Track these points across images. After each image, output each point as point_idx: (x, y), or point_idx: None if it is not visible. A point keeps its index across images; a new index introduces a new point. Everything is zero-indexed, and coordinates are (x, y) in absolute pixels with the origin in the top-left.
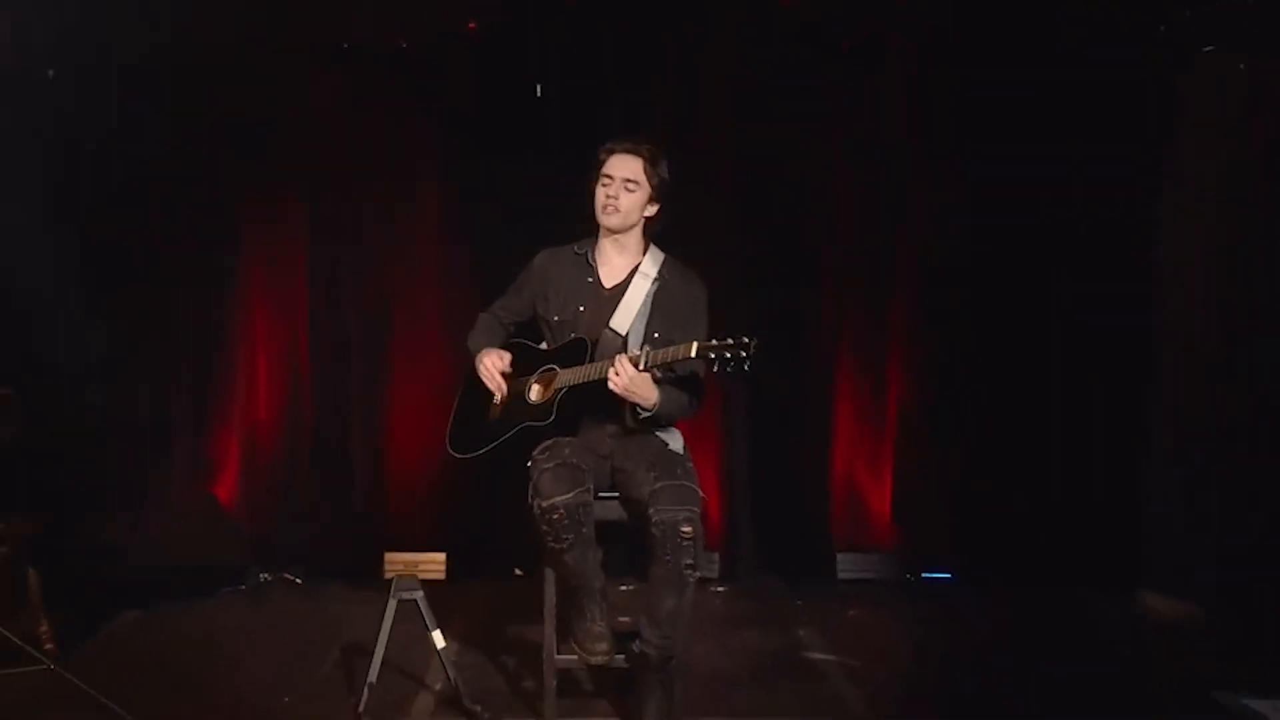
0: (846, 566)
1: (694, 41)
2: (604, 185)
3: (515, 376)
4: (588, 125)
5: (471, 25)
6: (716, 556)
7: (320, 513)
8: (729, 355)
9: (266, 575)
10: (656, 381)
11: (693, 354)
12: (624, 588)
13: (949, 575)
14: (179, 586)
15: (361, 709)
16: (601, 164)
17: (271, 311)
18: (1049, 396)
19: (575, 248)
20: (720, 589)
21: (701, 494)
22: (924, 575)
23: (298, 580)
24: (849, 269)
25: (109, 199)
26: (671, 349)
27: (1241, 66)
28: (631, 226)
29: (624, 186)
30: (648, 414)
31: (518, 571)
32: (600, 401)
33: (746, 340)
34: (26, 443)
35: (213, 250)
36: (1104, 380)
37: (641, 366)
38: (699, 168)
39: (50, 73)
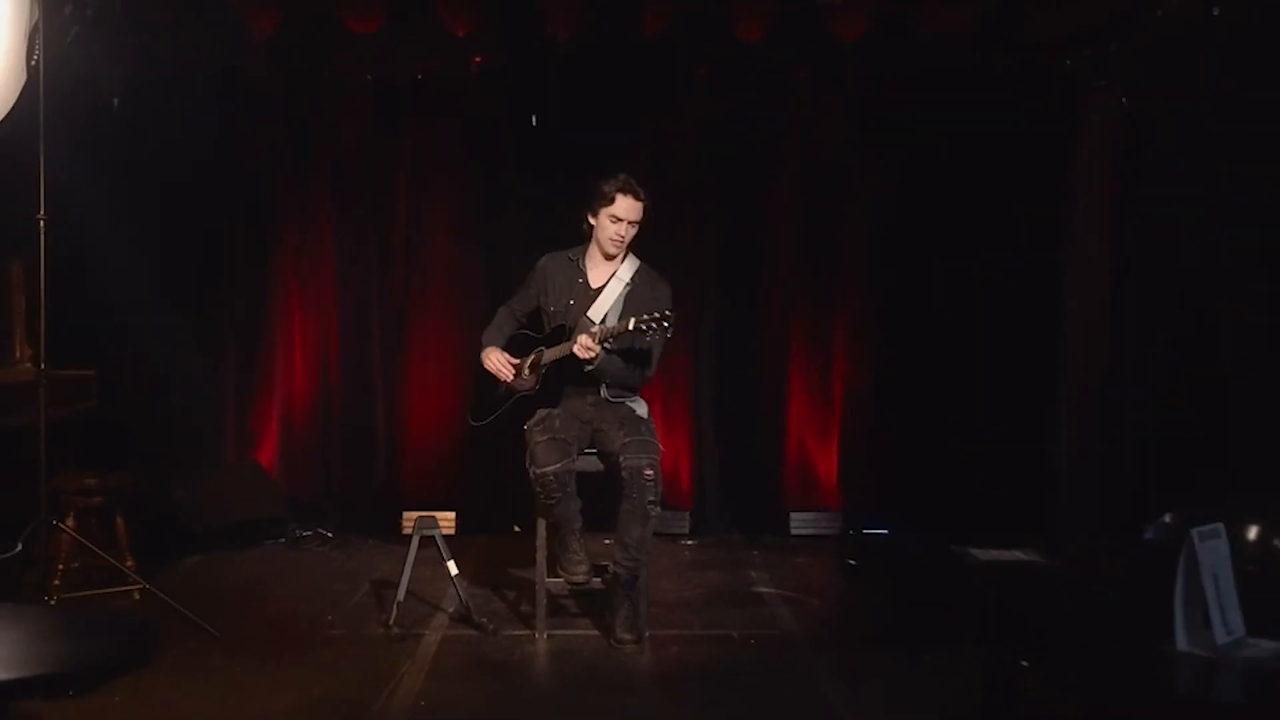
0: (798, 523)
1: (672, 76)
2: (614, 223)
3: (517, 359)
4: (578, 149)
5: (477, 60)
6: (687, 515)
7: (348, 477)
8: (654, 325)
9: (303, 530)
10: (608, 351)
11: (629, 327)
12: (606, 541)
13: (885, 531)
14: (229, 538)
15: (391, 622)
16: (611, 200)
17: (305, 306)
18: (974, 383)
19: (569, 254)
20: (689, 543)
21: (660, 447)
22: (864, 531)
23: (329, 534)
24: (803, 271)
25: (173, 213)
26: (617, 324)
27: (1123, 100)
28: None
29: (630, 226)
30: (591, 368)
31: (516, 528)
32: (577, 376)
33: (669, 313)
34: (108, 414)
35: (255, 254)
36: (1017, 370)
37: (597, 340)
38: (678, 186)
39: (115, 101)
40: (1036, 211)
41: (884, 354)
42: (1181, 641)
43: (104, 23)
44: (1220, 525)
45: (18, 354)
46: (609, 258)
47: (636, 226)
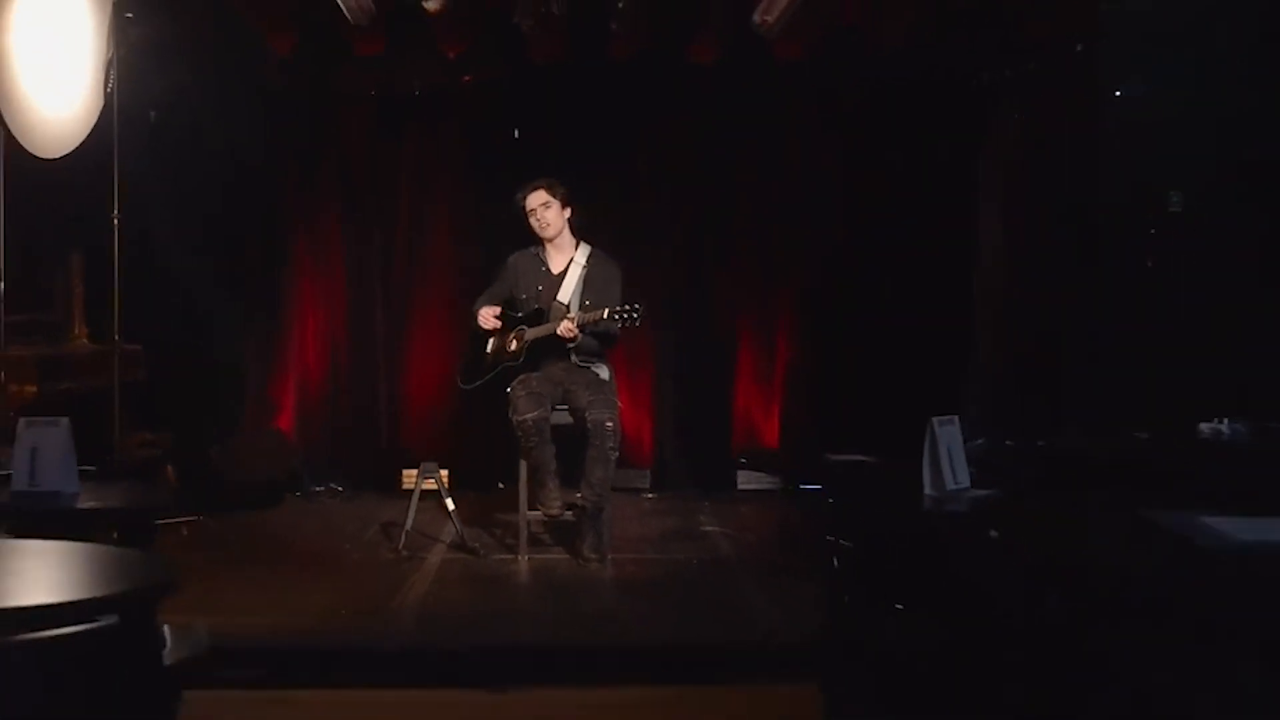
0: (744, 480)
1: (645, 93)
2: (531, 218)
3: (500, 334)
4: (556, 158)
5: (467, 78)
6: (648, 473)
7: (355, 439)
8: (626, 315)
9: (316, 486)
10: (585, 333)
11: (605, 315)
12: (578, 496)
13: (820, 486)
14: (253, 492)
15: (400, 547)
16: (523, 209)
17: (316, 296)
18: (897, 364)
19: (532, 249)
20: (650, 496)
21: (619, 404)
22: (801, 486)
23: (339, 489)
24: (750, 266)
25: (204, 216)
26: (595, 312)
27: (1017, 115)
28: (562, 231)
29: (543, 209)
30: (572, 346)
31: (500, 485)
32: (552, 348)
33: (637, 306)
34: (152, 385)
35: (274, 251)
36: (933, 352)
37: (576, 324)
38: (646, 197)
39: (152, 114)
40: (952, 210)
41: (820, 338)
42: (927, 488)
43: (142, 46)
44: (955, 416)
45: (76, 331)
46: (553, 243)
47: (550, 205)
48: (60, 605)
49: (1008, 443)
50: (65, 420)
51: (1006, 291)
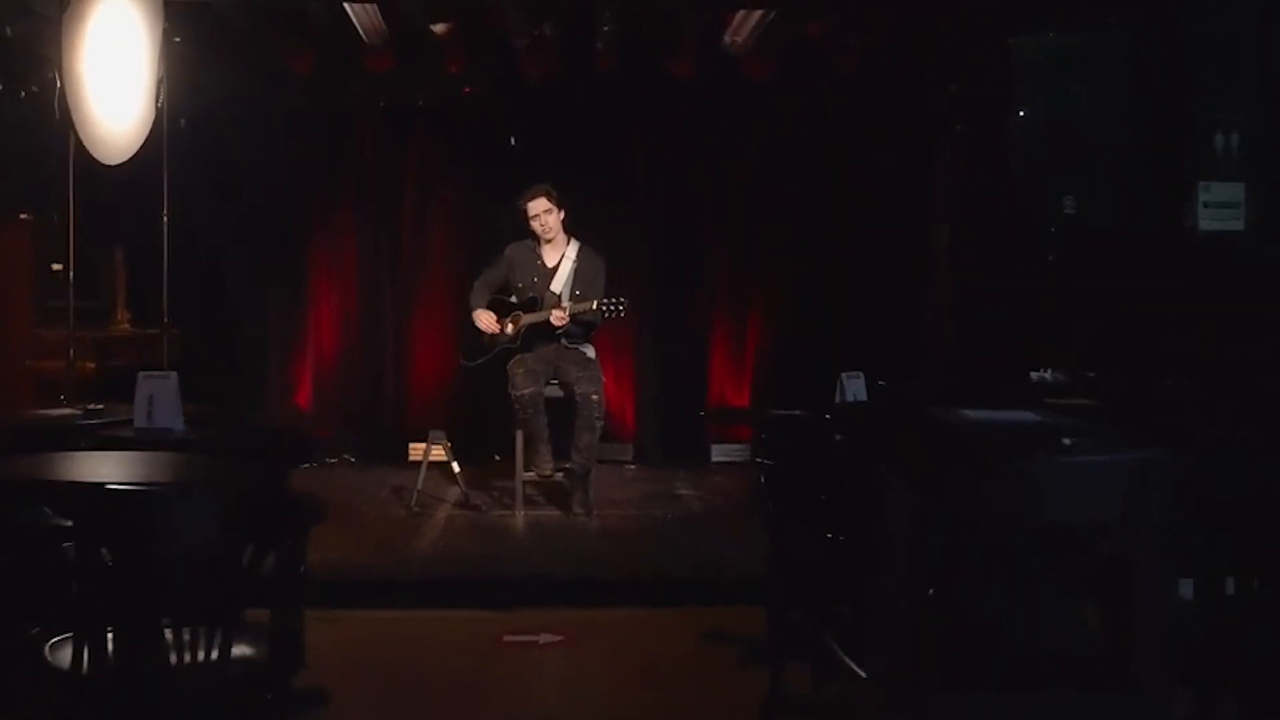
0: (717, 453)
1: (625, 107)
2: (534, 222)
3: (498, 319)
4: (549, 162)
5: (466, 90)
6: (630, 446)
7: (365, 416)
8: (611, 308)
9: (330, 458)
10: (574, 321)
11: (593, 307)
12: (568, 464)
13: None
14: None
15: (412, 504)
16: (525, 214)
17: (331, 288)
18: (857, 351)
19: (528, 243)
20: (631, 467)
21: (604, 379)
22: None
23: (352, 460)
24: (726, 260)
25: (232, 217)
26: (584, 304)
27: (960, 127)
28: (558, 231)
29: (545, 214)
30: (561, 332)
31: (497, 458)
32: (544, 332)
33: (622, 300)
34: (187, 365)
35: (293, 244)
36: (889, 340)
37: (568, 313)
38: (631, 196)
39: (181, 121)
40: (907, 209)
41: (788, 326)
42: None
43: (182, 63)
44: (861, 372)
45: (119, 316)
46: (550, 243)
47: (551, 211)
48: (235, 476)
49: (880, 383)
50: (174, 373)
51: (950, 281)
